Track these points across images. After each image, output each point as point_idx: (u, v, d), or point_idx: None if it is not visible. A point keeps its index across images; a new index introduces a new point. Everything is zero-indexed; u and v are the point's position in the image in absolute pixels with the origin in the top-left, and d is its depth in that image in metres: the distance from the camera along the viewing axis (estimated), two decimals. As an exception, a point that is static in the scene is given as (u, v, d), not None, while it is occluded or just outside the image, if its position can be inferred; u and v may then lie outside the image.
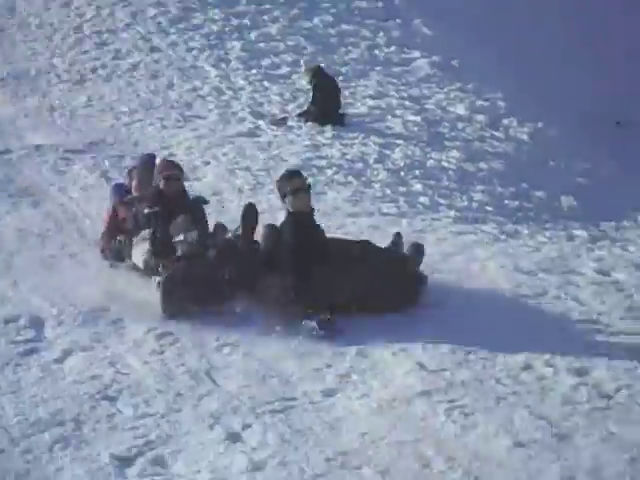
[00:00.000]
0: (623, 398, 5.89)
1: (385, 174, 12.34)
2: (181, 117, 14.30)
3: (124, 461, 5.34)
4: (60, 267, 8.59)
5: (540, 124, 15.30)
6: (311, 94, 14.32)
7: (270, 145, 13.26)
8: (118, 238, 8.37)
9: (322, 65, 15.12)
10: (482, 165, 13.25)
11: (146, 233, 7.89)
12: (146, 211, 8.13)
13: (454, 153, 13.48)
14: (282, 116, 14.41)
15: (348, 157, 12.88)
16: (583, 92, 16.78)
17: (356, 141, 13.53)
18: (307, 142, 13.44)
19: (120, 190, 9.04)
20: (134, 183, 8.86)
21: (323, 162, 12.60)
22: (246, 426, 5.72)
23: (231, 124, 14.09)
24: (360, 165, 12.63)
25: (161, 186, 8.33)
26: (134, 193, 8.77)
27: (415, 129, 14.29)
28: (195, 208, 8.35)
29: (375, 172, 12.40)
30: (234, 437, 5.60)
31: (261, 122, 14.20)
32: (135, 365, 6.64)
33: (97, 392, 6.18)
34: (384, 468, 5.15)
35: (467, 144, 14.02)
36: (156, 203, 8.14)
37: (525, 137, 14.83)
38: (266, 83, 15.92)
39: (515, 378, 6.19)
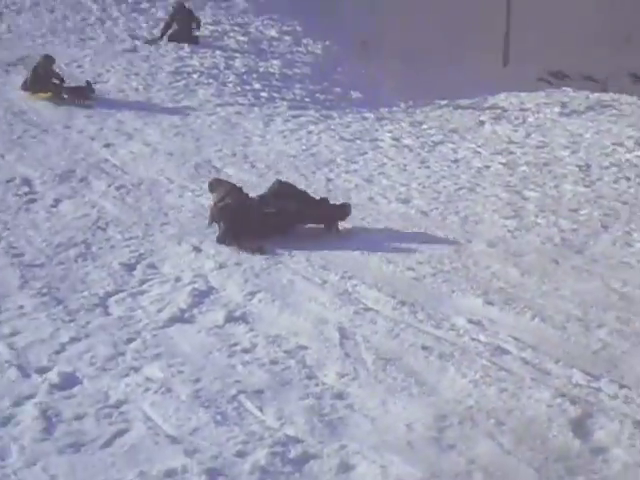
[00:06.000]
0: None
1: (234, 77, 16.47)
2: (79, 39, 18.33)
3: (129, 267, 7.59)
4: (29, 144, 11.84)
5: (327, 42, 20.05)
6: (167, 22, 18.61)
7: (149, 58, 17.22)
8: None
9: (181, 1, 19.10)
10: (296, 70, 17.74)
11: None
12: None
13: (276, 62, 17.92)
14: (152, 38, 18.52)
15: (205, 65, 17.07)
16: (353, 22, 21.43)
17: (207, 54, 17.78)
18: (174, 55, 17.48)
19: None
20: None
21: (189, 69, 16.74)
22: (201, 242, 8.17)
23: (116, 43, 18.20)
24: (215, 71, 16.78)
25: None
26: None
27: (245, 46, 18.84)
28: None
29: (226, 76, 16.48)
30: (197, 249, 8.02)
31: (137, 42, 18.35)
32: (109, 207, 9.38)
33: (92, 224, 8.79)
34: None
35: (282, 56, 18.56)
36: None
37: (319, 51, 19.46)
38: (134, 14, 20.38)
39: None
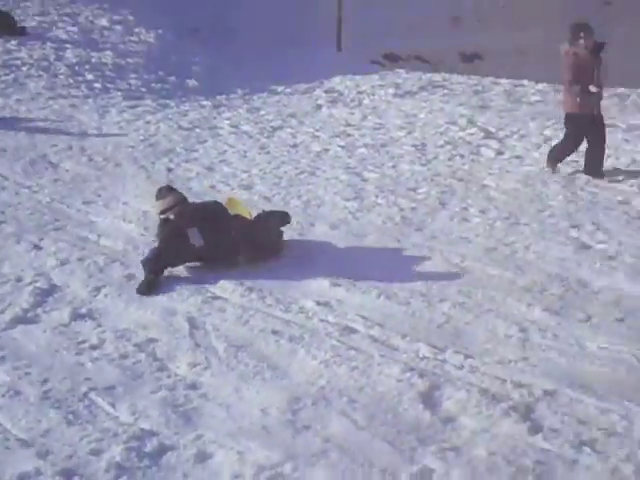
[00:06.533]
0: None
1: (65, 69, 16.06)
2: None
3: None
4: None
5: (160, 31, 19.55)
6: None
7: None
8: None
9: None
10: (130, 60, 17.30)
11: None
12: None
13: (109, 52, 17.49)
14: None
15: (35, 57, 16.46)
16: (184, 9, 21.03)
17: (37, 46, 17.09)
18: (0, 49, 16.66)
19: None
20: None
21: (18, 62, 16.09)
22: (41, 239, 7.97)
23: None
24: (45, 63, 16.26)
25: None
26: None
27: (76, 37, 18.22)
28: None
29: (58, 68, 16.06)
30: (37, 247, 7.80)
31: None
32: None
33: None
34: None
35: (115, 46, 18.08)
36: None
37: (152, 40, 18.99)
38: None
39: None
